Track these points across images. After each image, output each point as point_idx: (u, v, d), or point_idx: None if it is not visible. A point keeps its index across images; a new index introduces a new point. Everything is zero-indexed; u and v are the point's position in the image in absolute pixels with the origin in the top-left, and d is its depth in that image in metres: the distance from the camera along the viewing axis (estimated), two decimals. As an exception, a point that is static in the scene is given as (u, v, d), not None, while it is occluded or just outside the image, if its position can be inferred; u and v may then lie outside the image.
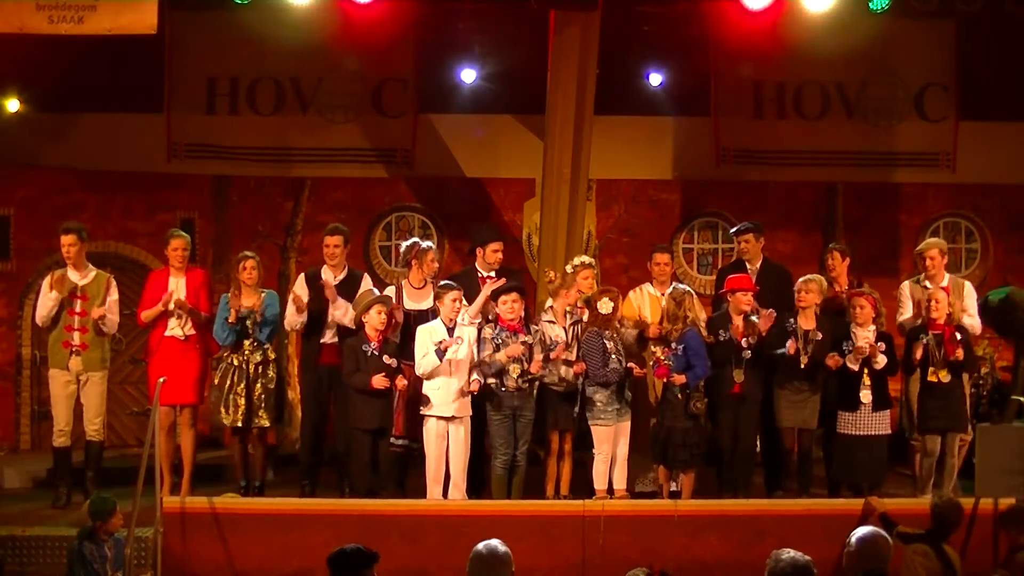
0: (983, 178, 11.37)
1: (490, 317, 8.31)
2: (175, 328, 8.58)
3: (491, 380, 8.08)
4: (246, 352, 8.45)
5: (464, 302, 8.22)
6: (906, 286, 8.95)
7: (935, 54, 10.73)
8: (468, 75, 11.04)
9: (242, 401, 8.40)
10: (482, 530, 5.79)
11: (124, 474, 8.58)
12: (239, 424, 8.45)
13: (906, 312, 8.80)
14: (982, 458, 7.71)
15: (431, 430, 8.07)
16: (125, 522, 7.26)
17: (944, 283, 8.71)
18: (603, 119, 9.88)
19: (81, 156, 11.07)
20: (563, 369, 8.20)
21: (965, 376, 8.60)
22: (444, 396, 8.04)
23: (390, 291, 8.72)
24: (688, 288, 8.58)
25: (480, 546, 4.97)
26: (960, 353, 8.21)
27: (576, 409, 8.28)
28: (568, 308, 8.34)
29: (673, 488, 8.38)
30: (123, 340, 10.29)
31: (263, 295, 8.58)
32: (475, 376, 8.08)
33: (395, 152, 11.00)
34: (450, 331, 8.06)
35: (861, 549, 5.30)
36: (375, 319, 8.18)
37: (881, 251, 11.48)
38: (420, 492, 8.16)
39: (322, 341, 8.69)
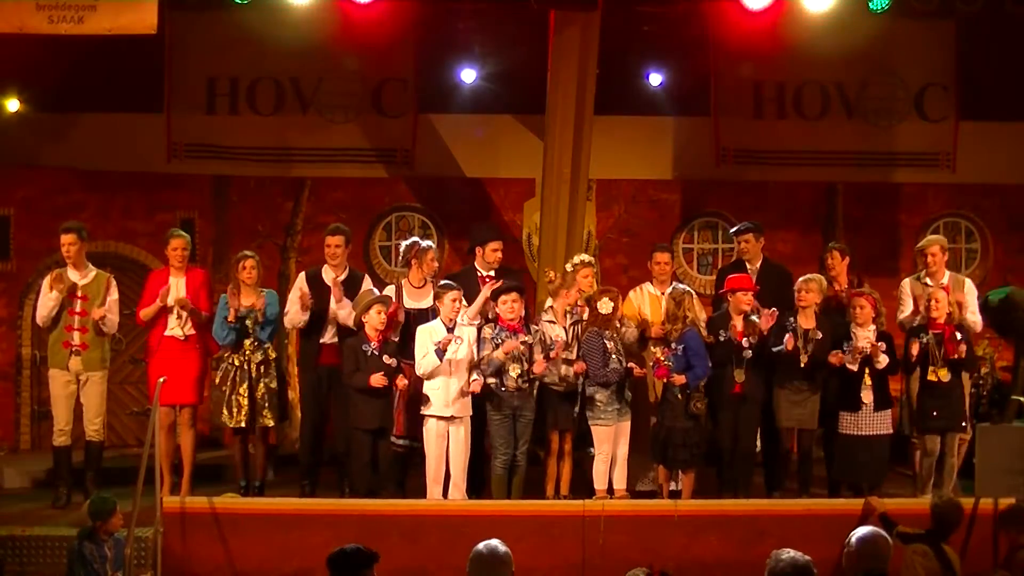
0: (983, 178, 11.36)
1: (490, 316, 8.31)
2: (175, 328, 8.58)
3: (491, 380, 8.08)
4: (247, 352, 8.44)
5: (464, 302, 8.23)
6: (906, 283, 8.96)
7: (935, 54, 10.72)
8: (468, 75, 11.04)
9: (245, 402, 8.40)
10: (482, 530, 5.79)
11: (124, 474, 8.59)
12: (242, 425, 8.45)
13: (906, 309, 8.80)
14: (982, 458, 7.71)
15: (431, 430, 8.07)
16: (125, 522, 7.27)
17: (944, 280, 8.72)
18: (603, 119, 9.88)
19: (81, 156, 11.06)
20: (563, 369, 8.20)
21: (965, 376, 8.60)
22: (444, 396, 8.04)
23: (390, 290, 8.72)
24: (688, 288, 8.58)
25: (480, 546, 4.97)
26: (963, 349, 8.21)
27: (576, 409, 8.28)
28: (568, 308, 8.34)
29: (673, 488, 8.38)
30: (123, 340, 10.29)
31: (263, 295, 8.58)
32: (475, 376, 8.08)
33: (395, 152, 10.99)
34: (450, 331, 8.05)
35: (861, 549, 5.30)
36: (375, 319, 8.18)
37: (881, 251, 11.48)
38: (420, 492, 8.16)
39: (322, 341, 8.69)
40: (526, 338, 8.13)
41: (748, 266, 9.03)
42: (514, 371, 8.03)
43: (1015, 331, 9.72)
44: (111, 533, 7.25)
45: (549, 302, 8.55)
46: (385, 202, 11.64)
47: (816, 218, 11.66)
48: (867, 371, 8.22)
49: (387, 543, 6.31)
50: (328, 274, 8.73)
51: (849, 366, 8.21)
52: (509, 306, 8.12)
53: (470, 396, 8.12)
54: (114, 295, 8.77)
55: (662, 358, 8.10)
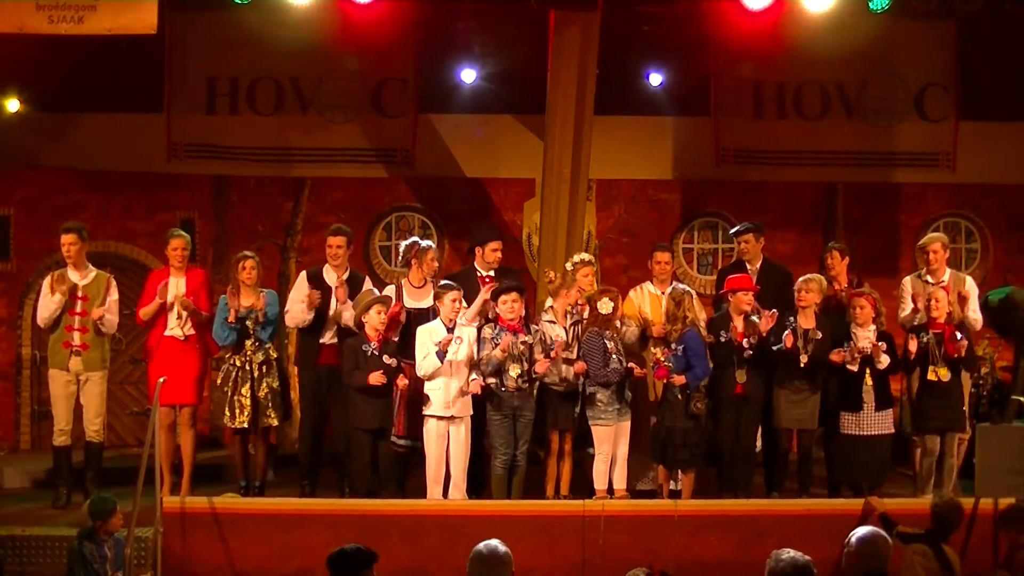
0: (983, 178, 11.36)
1: (490, 316, 8.31)
2: (175, 328, 8.58)
3: (491, 380, 8.08)
4: (248, 352, 8.44)
5: (463, 302, 8.23)
6: (907, 281, 8.97)
7: (935, 54, 10.72)
8: (468, 75, 11.03)
9: (247, 403, 8.39)
10: (482, 530, 5.79)
11: (124, 474, 8.59)
12: (244, 427, 8.45)
13: (907, 307, 8.80)
14: (982, 458, 7.71)
15: (431, 430, 8.08)
16: (125, 522, 7.27)
17: (945, 278, 8.73)
18: (603, 119, 9.88)
19: (81, 156, 11.06)
20: (563, 369, 8.20)
21: (965, 375, 8.60)
22: (444, 396, 8.04)
23: (389, 290, 8.72)
24: (688, 288, 8.58)
25: (480, 546, 4.97)
26: (963, 347, 8.22)
27: (576, 409, 8.28)
28: (569, 307, 8.34)
29: (673, 488, 8.38)
30: (123, 340, 10.30)
31: (263, 295, 8.58)
32: (475, 376, 8.08)
33: (395, 152, 10.98)
34: (450, 331, 8.06)
35: (861, 549, 5.30)
36: (375, 319, 8.18)
37: (881, 251, 11.48)
38: (420, 492, 8.16)
39: (321, 341, 8.69)
40: (526, 338, 8.13)
41: (748, 266, 9.03)
42: (514, 371, 8.02)
43: (1015, 331, 9.73)
44: (111, 533, 7.25)
45: (549, 302, 8.55)
46: (385, 202, 11.64)
47: (816, 218, 11.66)
48: (868, 371, 8.22)
49: (387, 543, 6.33)
50: (330, 275, 8.73)
51: (849, 366, 8.21)
52: (509, 306, 8.12)
53: (470, 396, 8.12)
54: (114, 295, 8.77)
55: (662, 359, 8.09)
